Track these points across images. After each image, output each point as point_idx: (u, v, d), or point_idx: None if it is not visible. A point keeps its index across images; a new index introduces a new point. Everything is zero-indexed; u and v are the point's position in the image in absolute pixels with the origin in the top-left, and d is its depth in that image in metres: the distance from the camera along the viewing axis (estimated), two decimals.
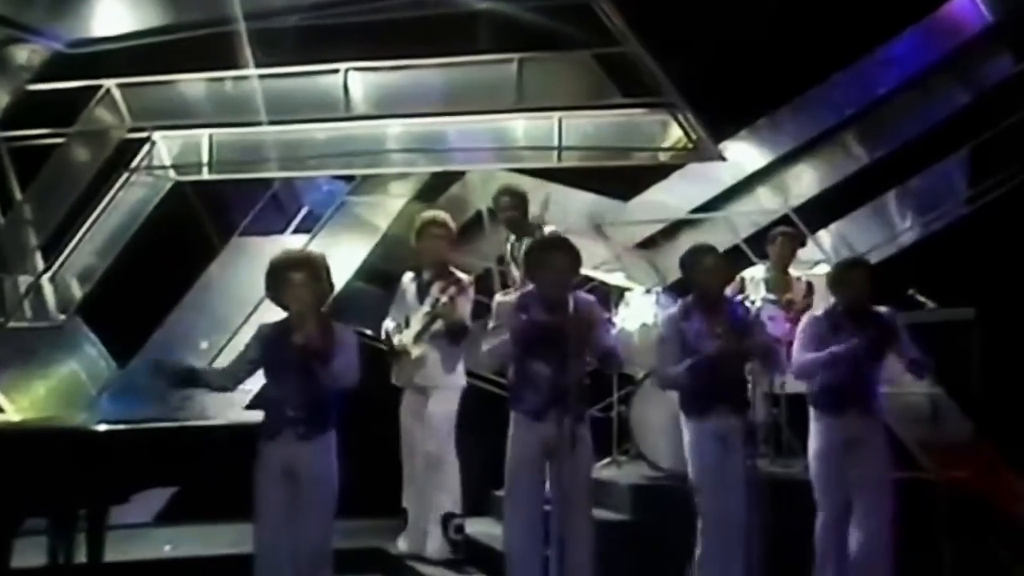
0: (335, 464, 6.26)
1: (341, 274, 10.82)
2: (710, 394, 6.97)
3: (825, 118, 10.87)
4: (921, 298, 7.21)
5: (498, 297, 7.34)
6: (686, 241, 11.04)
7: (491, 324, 6.78)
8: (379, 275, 10.85)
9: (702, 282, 7.04)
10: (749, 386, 7.15)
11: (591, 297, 6.91)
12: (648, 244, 11.10)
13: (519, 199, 8.54)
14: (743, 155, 10.92)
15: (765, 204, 10.86)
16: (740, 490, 6.83)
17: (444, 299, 7.77)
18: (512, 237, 8.65)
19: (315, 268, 6.27)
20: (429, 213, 8.23)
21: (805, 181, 11.06)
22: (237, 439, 6.68)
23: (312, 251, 6.71)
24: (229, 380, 6.42)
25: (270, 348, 6.24)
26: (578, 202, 10.80)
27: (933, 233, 10.63)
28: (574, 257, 6.68)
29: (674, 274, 10.61)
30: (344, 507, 6.32)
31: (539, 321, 6.55)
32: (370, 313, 10.70)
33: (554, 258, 6.59)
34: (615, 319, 8.82)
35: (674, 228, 11.12)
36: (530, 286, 6.81)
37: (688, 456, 7.09)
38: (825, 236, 10.73)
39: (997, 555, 8.47)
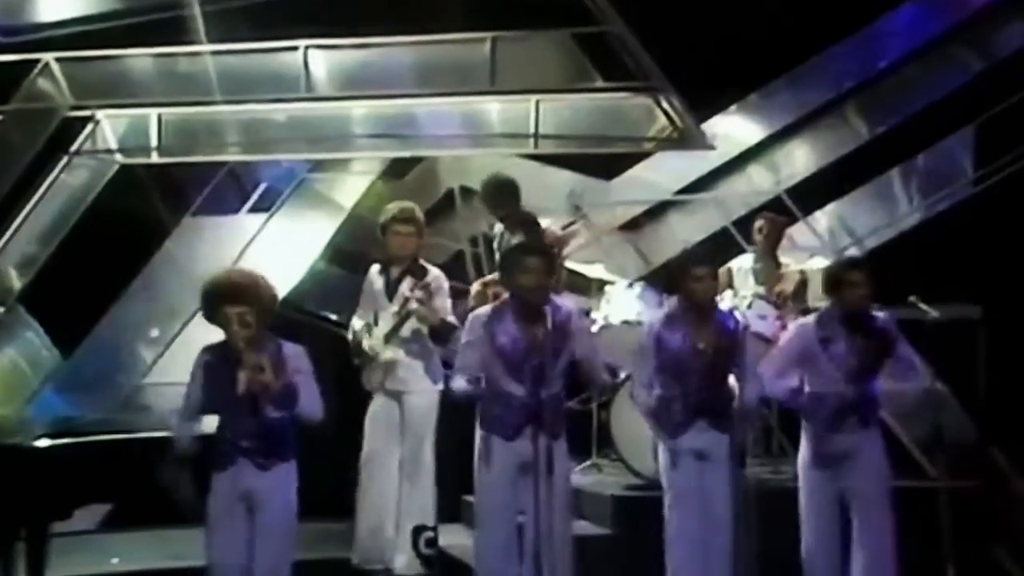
0: (295, 494, 6.21)
1: (304, 256, 10.91)
2: (688, 409, 6.96)
3: (823, 92, 10.82)
4: (923, 306, 7.16)
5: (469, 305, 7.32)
6: (673, 223, 11.12)
7: (463, 339, 6.75)
8: (346, 257, 10.82)
9: (691, 292, 6.99)
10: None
11: (571, 305, 6.86)
12: (632, 226, 11.07)
13: (514, 194, 8.50)
14: (734, 131, 10.87)
15: (757, 184, 10.80)
16: (720, 509, 6.86)
17: (413, 304, 7.70)
18: (501, 227, 8.62)
19: (255, 295, 6.11)
20: (395, 206, 8.12)
21: (801, 159, 11.00)
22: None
23: (249, 273, 6.43)
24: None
25: (216, 375, 6.11)
26: (556, 180, 10.75)
27: (937, 215, 10.58)
28: (552, 262, 6.65)
29: (659, 258, 10.71)
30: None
31: (512, 340, 6.56)
32: (336, 297, 10.72)
33: (531, 264, 6.55)
34: (595, 315, 8.77)
35: (660, 209, 11.09)
36: (505, 294, 6.78)
37: (662, 474, 7.10)
38: (822, 218, 10.70)
39: (1003, 565, 8.53)
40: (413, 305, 7.69)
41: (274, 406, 6.01)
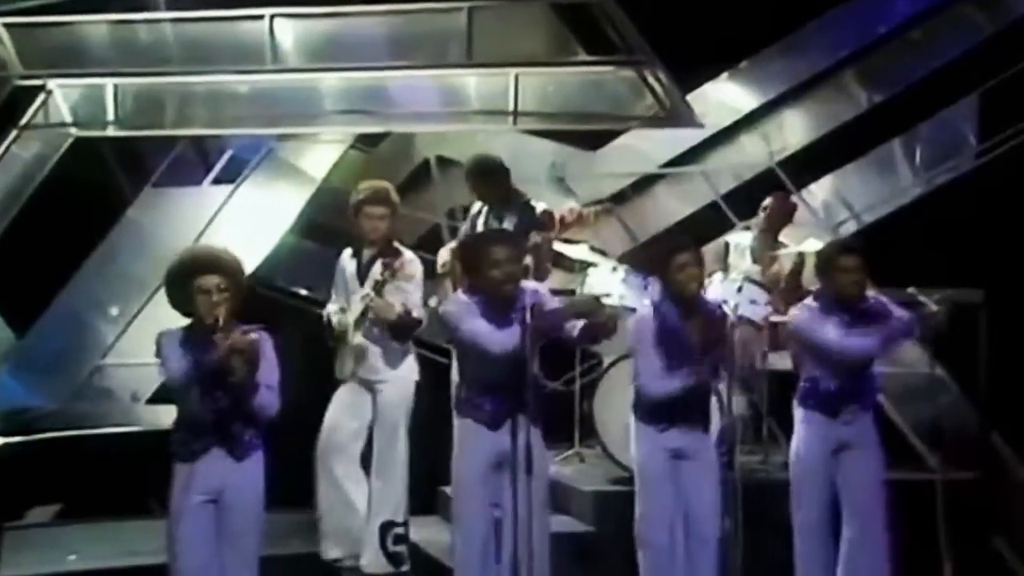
0: (263, 486, 6.18)
1: (272, 229, 10.87)
2: (673, 405, 6.94)
3: (819, 58, 10.79)
4: (922, 298, 7.17)
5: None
6: (661, 196, 11.13)
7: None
8: (317, 230, 10.79)
9: (673, 282, 7.00)
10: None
11: (532, 284, 6.85)
12: (618, 199, 11.05)
13: (504, 176, 8.48)
14: (725, 100, 10.85)
15: (750, 155, 10.79)
16: (702, 507, 6.91)
17: (371, 296, 7.65)
18: (481, 205, 8.62)
19: (231, 269, 6.07)
20: (367, 186, 8.00)
21: (795, 129, 10.99)
22: (148, 446, 6.64)
23: (223, 249, 6.41)
24: None
25: (183, 359, 6.04)
26: (537, 151, 10.72)
27: (938, 190, 10.58)
28: (517, 250, 6.67)
29: (646, 233, 10.73)
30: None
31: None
32: (307, 272, 10.71)
33: (499, 255, 6.53)
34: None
35: (647, 181, 11.09)
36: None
37: (634, 467, 7.12)
38: (817, 192, 10.71)
39: (1003, 557, 8.57)
40: (371, 295, 7.64)
41: (233, 394, 5.98)
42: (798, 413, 7.27)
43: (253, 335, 6.07)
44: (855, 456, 7.12)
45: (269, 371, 6.08)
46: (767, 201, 9.46)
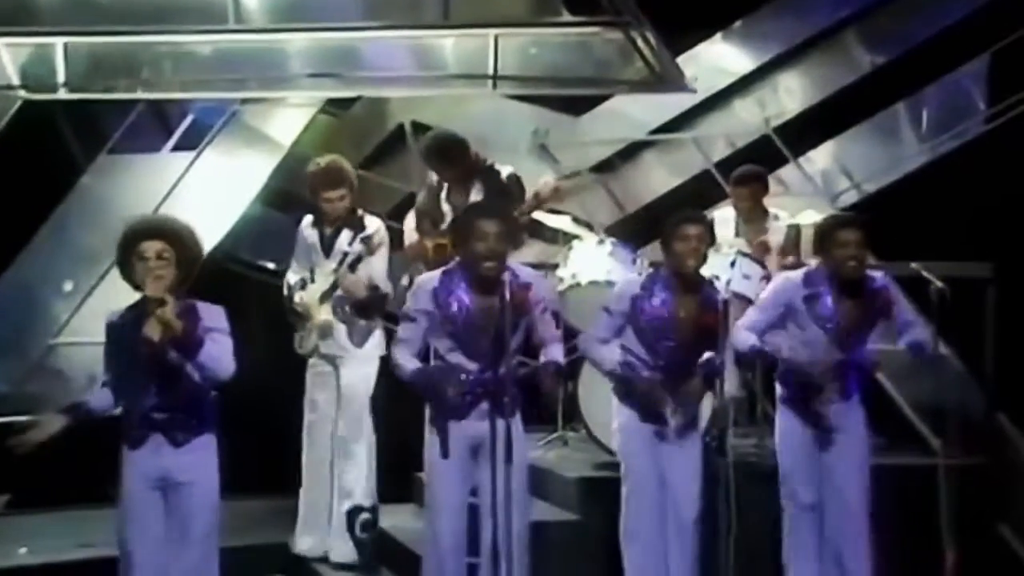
0: (217, 471, 6.19)
1: (237, 198, 10.86)
2: (656, 384, 7.00)
3: (819, 17, 10.80)
4: (927, 275, 7.18)
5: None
6: (649, 164, 11.13)
7: (407, 307, 6.73)
8: (285, 198, 10.78)
9: (678, 254, 7.00)
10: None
11: (536, 274, 6.84)
12: (604, 167, 11.06)
13: (461, 151, 8.44)
14: (719, 63, 10.85)
15: (744, 121, 10.79)
16: (684, 500, 7.01)
17: (344, 270, 7.70)
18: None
19: (176, 237, 6.05)
20: (319, 168, 7.99)
21: (793, 93, 11.02)
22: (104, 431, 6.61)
23: (172, 217, 6.47)
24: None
25: (125, 340, 6.05)
26: (518, 116, 10.70)
27: (944, 157, 10.59)
28: (509, 226, 6.65)
29: (634, 204, 10.72)
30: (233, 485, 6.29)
31: (464, 311, 6.53)
32: (274, 244, 10.69)
33: (487, 229, 6.51)
34: (560, 272, 8.74)
35: (635, 148, 11.09)
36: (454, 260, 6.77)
37: (616, 446, 7.23)
38: (816, 159, 10.72)
39: (1008, 544, 8.60)
40: (344, 269, 7.70)
41: (177, 352, 5.95)
42: (778, 391, 7.35)
43: (201, 306, 6.07)
44: (836, 441, 7.17)
45: (219, 338, 6.04)
46: (731, 190, 9.41)
